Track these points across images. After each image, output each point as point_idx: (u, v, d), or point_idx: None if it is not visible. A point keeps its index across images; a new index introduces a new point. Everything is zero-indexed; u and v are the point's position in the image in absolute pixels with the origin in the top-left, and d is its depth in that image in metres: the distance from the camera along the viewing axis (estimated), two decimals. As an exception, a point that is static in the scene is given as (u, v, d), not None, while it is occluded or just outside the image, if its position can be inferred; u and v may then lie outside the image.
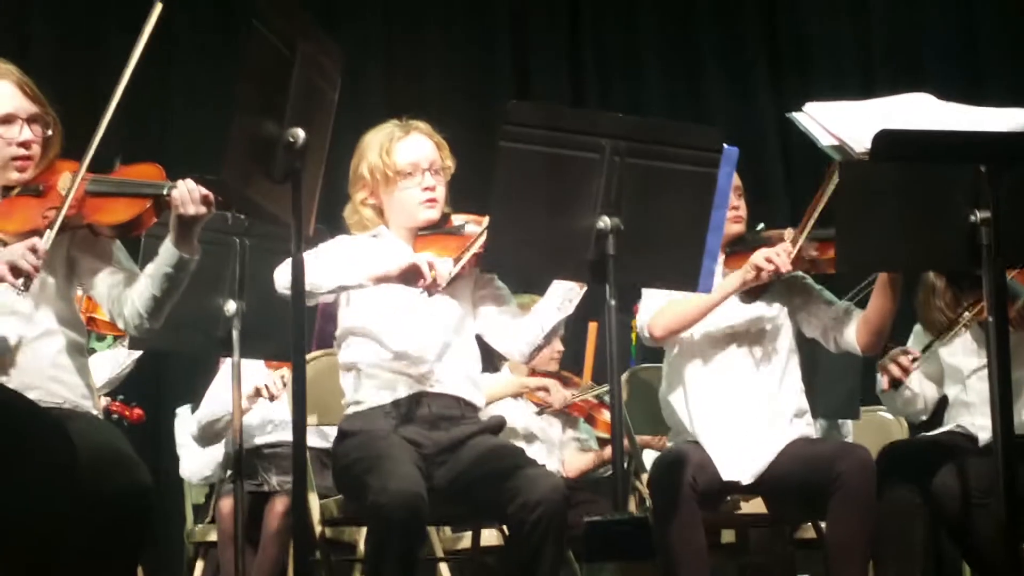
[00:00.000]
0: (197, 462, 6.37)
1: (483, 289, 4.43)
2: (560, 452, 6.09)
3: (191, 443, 6.27)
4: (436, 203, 4.36)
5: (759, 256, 4.46)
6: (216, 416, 5.76)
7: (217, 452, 6.17)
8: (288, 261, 4.07)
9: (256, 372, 5.72)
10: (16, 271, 3.50)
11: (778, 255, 4.44)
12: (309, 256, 3.97)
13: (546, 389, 5.96)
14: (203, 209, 3.69)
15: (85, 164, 3.71)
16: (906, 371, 4.56)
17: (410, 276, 4.07)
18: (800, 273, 4.69)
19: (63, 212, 3.65)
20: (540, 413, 6.04)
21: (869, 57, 8.59)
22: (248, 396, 5.57)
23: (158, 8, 3.70)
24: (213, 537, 5.86)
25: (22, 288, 3.52)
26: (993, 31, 8.42)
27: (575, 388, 6.13)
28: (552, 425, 6.10)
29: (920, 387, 4.75)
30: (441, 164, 4.39)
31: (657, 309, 4.60)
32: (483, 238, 4.10)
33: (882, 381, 4.64)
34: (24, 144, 3.80)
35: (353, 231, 4.44)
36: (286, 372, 5.65)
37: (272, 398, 5.57)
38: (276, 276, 4.15)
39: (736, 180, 4.65)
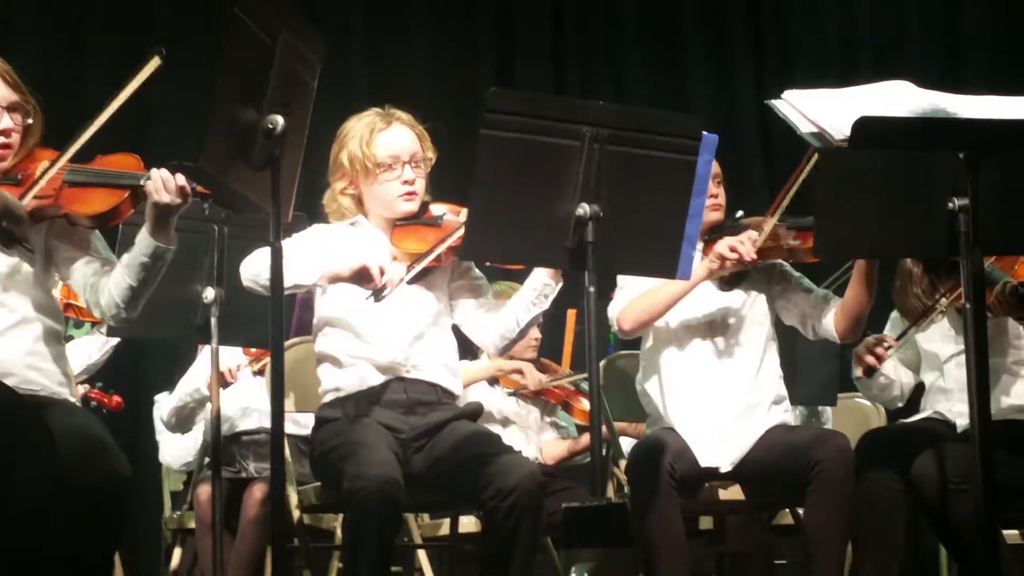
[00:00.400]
0: (177, 448, 6.36)
1: (460, 279, 4.42)
2: (538, 439, 6.09)
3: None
4: (415, 196, 4.34)
5: (723, 245, 4.48)
6: (183, 402, 5.76)
7: (197, 438, 6.17)
8: (254, 254, 4.09)
9: (234, 359, 5.71)
10: None
11: (742, 243, 4.46)
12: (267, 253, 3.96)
13: (520, 372, 5.96)
14: (178, 199, 3.68)
15: (65, 158, 3.71)
16: (880, 359, 4.57)
17: (361, 278, 4.06)
18: (779, 261, 4.70)
19: (29, 195, 3.64)
20: (513, 395, 6.03)
21: (850, 46, 8.62)
22: (207, 382, 5.58)
23: (155, 62, 3.68)
24: (191, 524, 5.86)
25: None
26: (975, 22, 8.45)
27: (552, 375, 6.13)
28: (530, 412, 6.10)
29: (896, 374, 4.76)
30: (422, 156, 4.38)
31: (627, 301, 4.61)
32: (458, 233, 4.10)
33: (856, 369, 4.65)
34: (3, 132, 3.79)
35: (331, 219, 4.43)
36: (245, 359, 5.66)
37: (226, 384, 5.56)
38: (242, 268, 4.13)
39: (715, 168, 4.66)
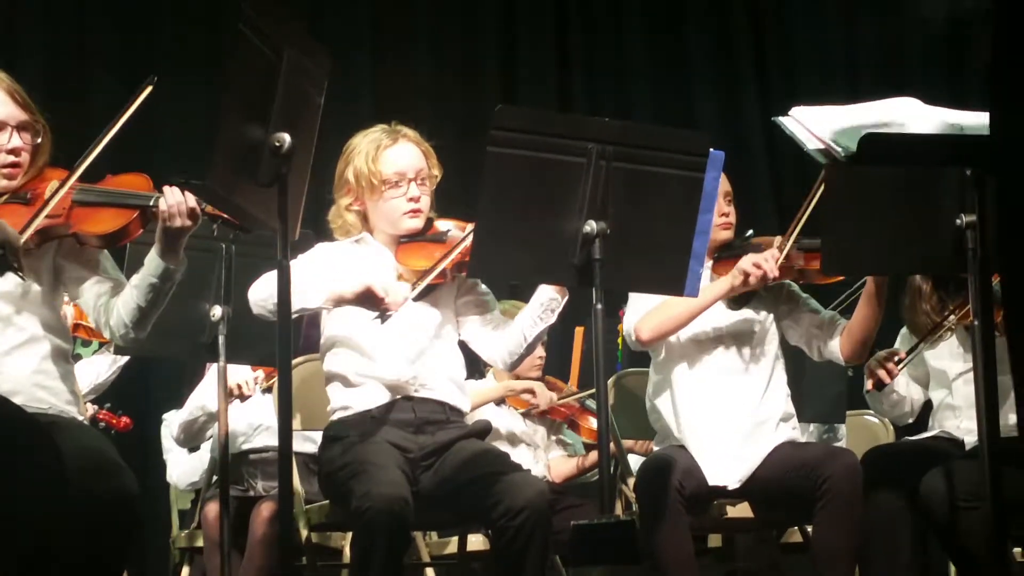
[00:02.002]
0: (184, 468, 6.35)
1: (466, 295, 4.42)
2: (545, 457, 6.08)
3: (177, 448, 6.25)
4: (420, 213, 4.34)
5: (747, 262, 4.46)
6: (193, 416, 5.76)
7: (204, 458, 6.16)
8: (261, 279, 4.08)
9: (247, 373, 5.71)
10: None
11: (766, 260, 4.45)
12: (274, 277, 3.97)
13: (531, 391, 5.95)
14: (188, 222, 3.69)
15: (75, 175, 3.72)
16: (891, 373, 4.56)
17: (366, 299, 4.06)
18: (787, 281, 4.69)
19: (39, 218, 3.65)
20: (526, 415, 6.02)
21: (855, 62, 8.61)
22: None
23: (148, 89, 3.71)
24: (199, 543, 5.84)
25: None
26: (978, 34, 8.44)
27: (558, 392, 6.12)
28: (536, 430, 6.09)
29: (907, 390, 4.75)
30: (428, 173, 4.38)
31: (644, 312, 4.60)
32: (460, 248, 4.10)
33: (868, 382, 4.64)
34: (13, 151, 3.80)
35: (336, 235, 4.43)
36: (260, 374, 5.65)
37: (243, 398, 5.57)
38: (250, 294, 4.14)
39: (726, 185, 4.66)
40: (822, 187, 4.31)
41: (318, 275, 4.15)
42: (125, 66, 7.48)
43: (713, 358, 4.68)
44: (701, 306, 4.53)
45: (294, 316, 4.05)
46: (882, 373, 4.56)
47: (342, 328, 4.30)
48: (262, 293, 4.10)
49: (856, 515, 4.38)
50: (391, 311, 4.05)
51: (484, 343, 4.37)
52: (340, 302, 4.10)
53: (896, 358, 4.57)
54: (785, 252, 4.48)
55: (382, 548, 3.88)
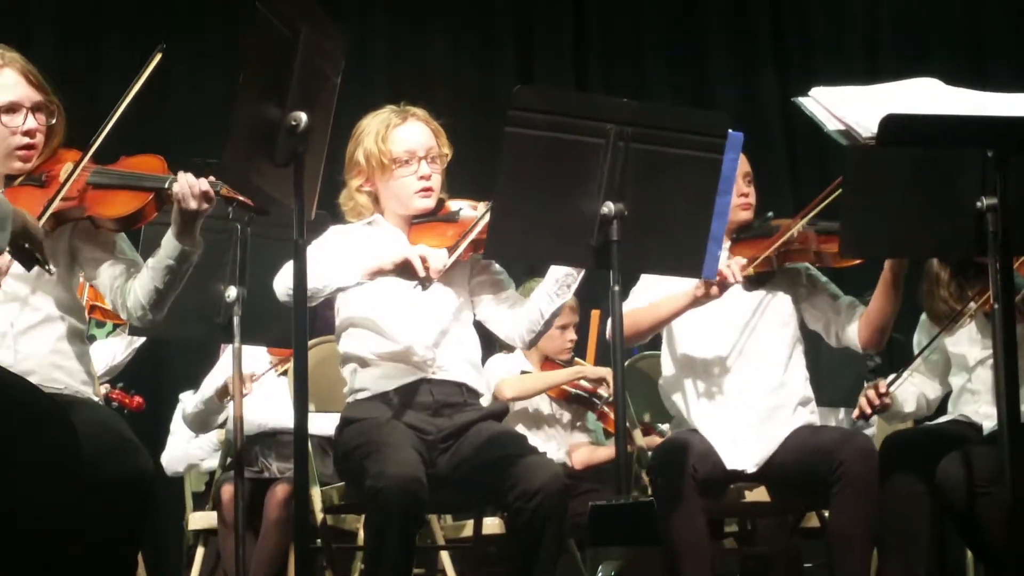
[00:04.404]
0: (174, 454, 6.39)
1: (481, 275, 4.41)
2: (566, 441, 6.06)
3: (180, 432, 6.28)
4: (432, 192, 4.33)
5: None
6: (199, 407, 5.77)
7: (203, 445, 6.21)
8: (287, 267, 4.06)
9: (257, 358, 5.71)
10: None
11: (728, 267, 4.41)
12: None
13: (605, 380, 5.88)
14: (204, 204, 3.68)
15: (88, 155, 3.70)
16: (871, 403, 4.51)
17: (404, 270, 4.05)
18: (806, 264, 4.67)
19: (54, 203, 3.64)
20: (560, 412, 6.00)
21: (874, 42, 8.58)
22: (218, 390, 5.61)
23: (158, 57, 3.69)
24: (213, 525, 5.85)
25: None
26: (997, 14, 8.40)
27: None
28: (563, 414, 6.07)
29: (915, 404, 4.73)
30: (438, 151, 4.37)
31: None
32: (480, 225, 4.08)
33: (855, 410, 4.61)
34: (28, 133, 3.79)
35: (348, 217, 4.42)
36: (260, 369, 5.67)
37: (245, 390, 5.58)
38: (276, 283, 4.13)
39: (746, 166, 4.64)
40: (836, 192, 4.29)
41: (346, 255, 4.15)
42: (140, 46, 7.47)
43: (728, 342, 4.65)
44: (667, 316, 4.54)
45: (328, 295, 4.11)
46: (866, 406, 4.52)
47: (359, 309, 4.29)
48: (289, 281, 4.08)
49: (872, 499, 4.36)
50: (433, 278, 4.05)
51: (501, 322, 4.35)
52: (378, 275, 4.09)
53: (880, 391, 4.51)
54: (764, 256, 4.45)
55: (395, 528, 3.88)
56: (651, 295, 4.57)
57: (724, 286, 4.40)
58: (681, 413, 4.69)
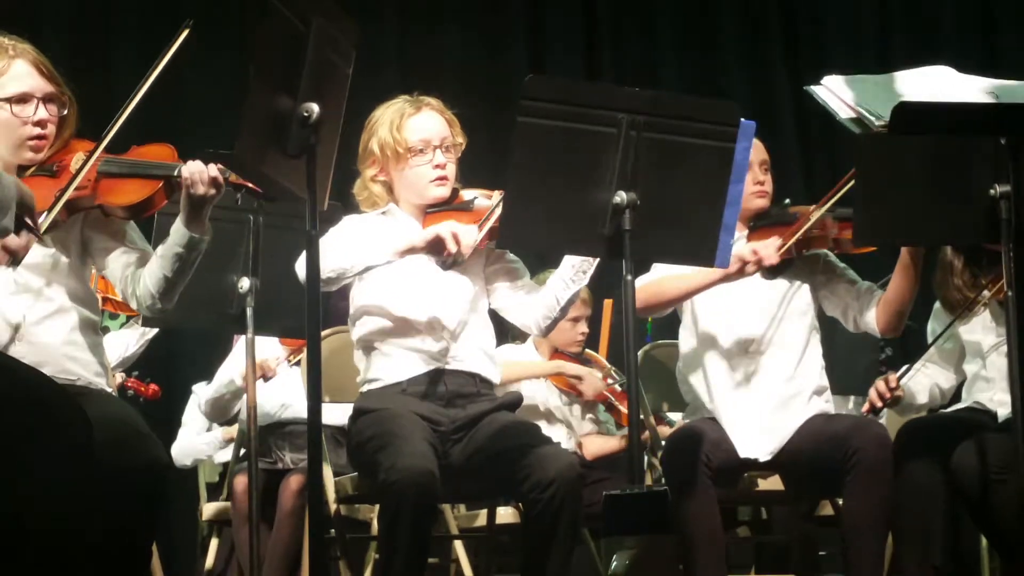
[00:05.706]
0: (183, 446, 6.41)
1: (495, 264, 4.40)
2: (577, 432, 6.06)
3: (192, 423, 6.29)
4: (447, 181, 4.33)
5: (746, 248, 4.43)
6: (219, 393, 5.78)
7: (203, 445, 6.22)
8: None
9: (270, 349, 5.72)
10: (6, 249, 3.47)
11: (765, 247, 4.41)
12: (327, 242, 3.96)
13: (581, 379, 5.92)
14: (212, 190, 3.68)
15: (100, 148, 3.70)
16: (882, 396, 4.52)
17: (436, 247, 4.05)
18: (824, 251, 4.66)
19: (68, 192, 3.64)
20: (570, 404, 6.01)
21: (887, 30, 8.56)
22: (242, 374, 5.61)
23: (185, 33, 3.68)
24: (227, 515, 5.86)
25: (9, 266, 3.48)
26: (1010, 6, 8.39)
27: (598, 367, 6.08)
28: (573, 408, 6.07)
29: (928, 396, 4.72)
30: (452, 141, 4.36)
31: (644, 282, 4.55)
32: (498, 211, 4.08)
33: (865, 403, 4.61)
34: (40, 123, 3.78)
35: (363, 207, 4.42)
36: (282, 354, 5.68)
37: (266, 378, 5.59)
38: (298, 268, 4.12)
39: (763, 153, 4.64)
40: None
41: (363, 240, 4.15)
42: (150, 37, 7.48)
43: (746, 329, 4.64)
44: (696, 287, 4.51)
45: (357, 274, 4.13)
46: (876, 399, 4.52)
47: (373, 298, 4.29)
48: None
49: (886, 486, 4.35)
50: (464, 254, 4.05)
51: (517, 310, 4.35)
52: (409, 253, 4.09)
53: (891, 384, 4.51)
54: (800, 234, 4.44)
55: (408, 520, 3.88)
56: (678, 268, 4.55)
57: (759, 264, 4.40)
58: (698, 398, 4.67)
